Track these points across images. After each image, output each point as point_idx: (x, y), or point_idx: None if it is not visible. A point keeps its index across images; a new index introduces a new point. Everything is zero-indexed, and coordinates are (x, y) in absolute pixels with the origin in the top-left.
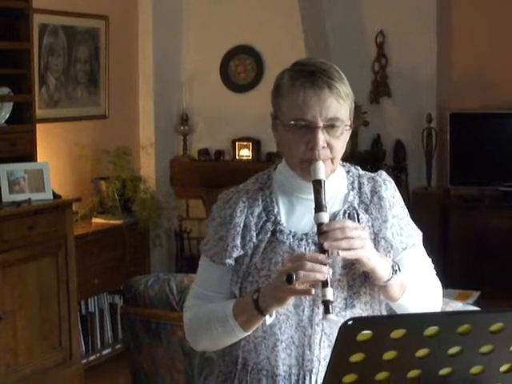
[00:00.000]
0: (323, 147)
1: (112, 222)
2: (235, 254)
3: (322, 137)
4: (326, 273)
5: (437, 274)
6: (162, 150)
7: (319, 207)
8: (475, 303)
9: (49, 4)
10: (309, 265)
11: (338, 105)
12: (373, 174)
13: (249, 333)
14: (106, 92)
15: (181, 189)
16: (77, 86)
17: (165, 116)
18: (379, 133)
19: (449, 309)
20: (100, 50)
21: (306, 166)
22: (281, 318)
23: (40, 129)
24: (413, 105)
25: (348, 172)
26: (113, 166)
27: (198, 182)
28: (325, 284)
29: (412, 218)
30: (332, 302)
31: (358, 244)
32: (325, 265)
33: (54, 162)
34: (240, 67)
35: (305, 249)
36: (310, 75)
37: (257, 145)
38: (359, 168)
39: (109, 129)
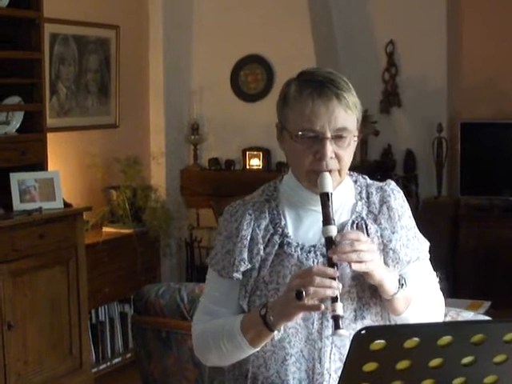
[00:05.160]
0: (331, 158)
1: (122, 231)
2: (243, 268)
3: (329, 147)
4: (335, 288)
5: (447, 284)
6: (173, 160)
7: (327, 220)
8: (486, 313)
9: (60, 13)
10: (318, 280)
11: (346, 115)
12: (381, 184)
13: (257, 349)
14: (117, 101)
15: (191, 198)
16: (87, 95)
17: (175, 125)
18: (389, 142)
19: (460, 319)
20: (111, 60)
21: (313, 176)
22: (290, 332)
23: (51, 138)
24: (423, 114)
25: (355, 182)
26: (123, 175)
27: (208, 191)
28: (334, 299)
29: (422, 228)
30: (342, 317)
31: (368, 257)
32: (334, 279)
33: (65, 171)
34: (250, 77)
35: (313, 261)
36: (317, 85)
37: (267, 154)
38: (367, 177)
39: (119, 138)
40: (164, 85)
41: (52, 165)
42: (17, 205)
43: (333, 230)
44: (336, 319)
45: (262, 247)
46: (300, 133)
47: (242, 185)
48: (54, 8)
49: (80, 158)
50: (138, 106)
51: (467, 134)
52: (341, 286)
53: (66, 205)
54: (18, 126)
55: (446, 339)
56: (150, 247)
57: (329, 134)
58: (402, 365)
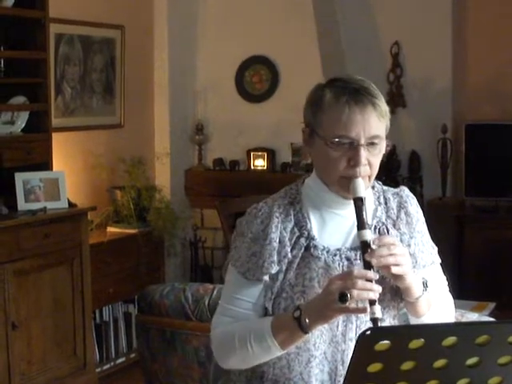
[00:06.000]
0: (364, 165)
1: (127, 231)
2: (273, 270)
3: (364, 154)
4: (376, 291)
5: (452, 285)
6: (177, 160)
7: (362, 225)
8: (490, 314)
9: (65, 14)
10: (360, 283)
11: (379, 123)
12: (396, 190)
13: (285, 351)
14: (122, 101)
15: (195, 198)
16: (92, 95)
17: (180, 126)
18: (394, 143)
19: (465, 320)
20: (116, 60)
21: (345, 182)
22: (315, 334)
23: (56, 138)
24: (428, 115)
25: (373, 187)
26: (128, 175)
27: (212, 191)
28: (373, 301)
29: (427, 229)
30: (381, 320)
31: (404, 261)
32: (371, 281)
33: (70, 170)
34: (255, 77)
35: (339, 264)
36: (353, 92)
37: (271, 155)
38: (381, 183)
39: (124, 138)
40: (169, 85)
41: (57, 165)
42: (21, 204)
43: (368, 235)
44: (375, 321)
45: (289, 250)
46: (337, 139)
47: (246, 185)
48: (60, 8)
49: (85, 157)
50: (143, 106)
51: (472, 135)
52: (380, 288)
53: (71, 205)
54: (23, 125)
55: (450, 340)
56: (155, 247)
57: (363, 141)
58: (407, 366)
